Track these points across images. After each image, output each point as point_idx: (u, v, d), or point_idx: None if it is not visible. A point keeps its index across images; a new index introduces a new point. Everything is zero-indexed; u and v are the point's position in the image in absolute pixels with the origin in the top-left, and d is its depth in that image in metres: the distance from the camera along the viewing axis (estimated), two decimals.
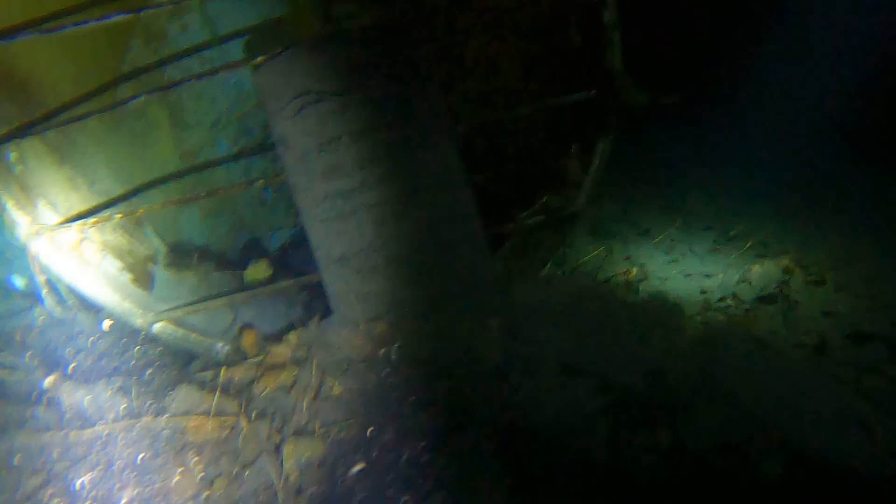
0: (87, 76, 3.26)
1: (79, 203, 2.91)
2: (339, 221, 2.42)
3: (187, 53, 3.32)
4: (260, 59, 2.38)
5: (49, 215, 2.74)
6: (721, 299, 2.85)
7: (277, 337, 2.57)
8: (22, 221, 2.67)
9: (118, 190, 3.19)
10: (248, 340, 2.60)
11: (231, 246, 3.08)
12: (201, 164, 3.36)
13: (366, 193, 2.41)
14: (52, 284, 2.83)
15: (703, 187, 3.34)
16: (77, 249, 2.74)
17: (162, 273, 2.81)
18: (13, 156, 2.75)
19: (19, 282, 3.42)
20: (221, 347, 2.65)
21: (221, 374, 2.38)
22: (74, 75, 3.16)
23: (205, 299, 2.68)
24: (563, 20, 2.80)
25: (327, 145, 2.40)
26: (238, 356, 2.56)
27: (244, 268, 2.82)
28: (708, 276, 2.99)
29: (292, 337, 2.49)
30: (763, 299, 2.75)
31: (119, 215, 2.77)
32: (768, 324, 2.64)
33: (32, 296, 3.21)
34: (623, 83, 2.54)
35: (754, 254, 3.06)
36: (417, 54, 2.45)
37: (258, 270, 2.77)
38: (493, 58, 3.06)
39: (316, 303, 2.56)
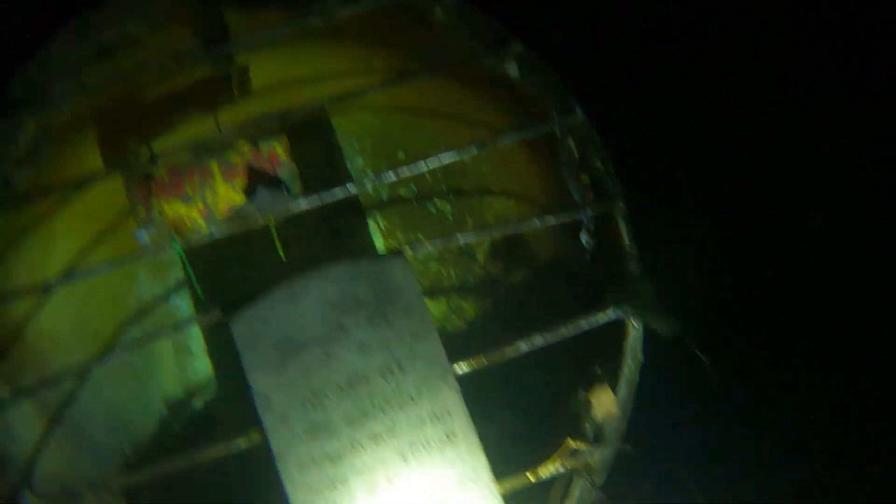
0: (89, 315, 3.15)
1: (65, 469, 2.66)
2: (328, 490, 2.07)
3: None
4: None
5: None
6: None
7: None
8: None
9: (114, 442, 2.94)
10: None
11: None
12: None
13: (357, 456, 2.08)
14: None
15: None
16: None
17: None
18: None
19: None
20: None
21: None
22: (75, 318, 3.04)
23: None
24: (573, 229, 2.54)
25: (311, 401, 2.12)
26: None
27: None
28: None
29: None
30: None
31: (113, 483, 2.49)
32: None
33: None
34: (643, 301, 2.22)
35: None
36: (411, 286, 2.22)
37: None
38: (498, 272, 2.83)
39: None
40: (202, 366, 3.48)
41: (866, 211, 2.80)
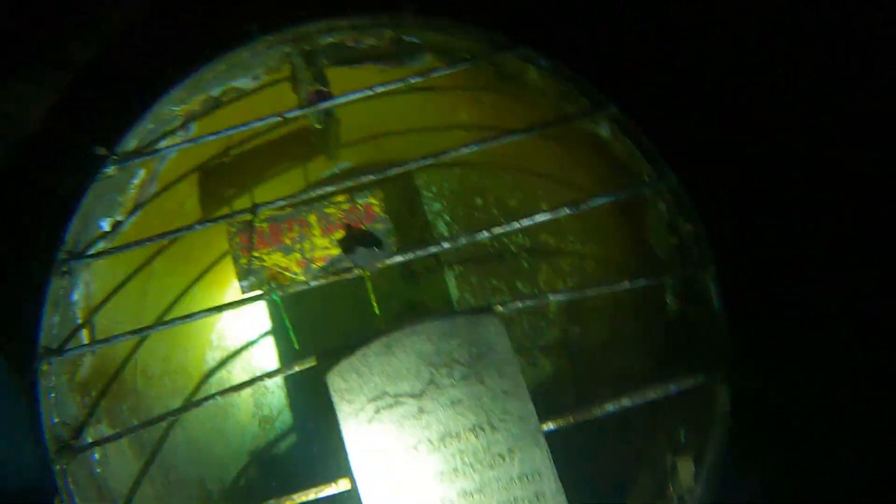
0: (176, 350, 3.27)
1: (153, 499, 2.76)
2: None
3: None
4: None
5: None
6: None
7: None
8: None
9: (197, 477, 3.04)
10: None
11: None
12: None
13: None
14: None
15: None
16: None
17: None
18: (98, 456, 2.61)
19: None
20: None
21: None
22: (164, 354, 3.16)
23: None
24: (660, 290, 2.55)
25: (404, 455, 2.17)
26: None
27: None
28: None
29: None
30: None
31: None
32: None
33: None
34: (726, 361, 2.21)
35: None
36: (504, 345, 2.26)
37: None
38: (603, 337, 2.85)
39: None
40: (276, 401, 3.57)
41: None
